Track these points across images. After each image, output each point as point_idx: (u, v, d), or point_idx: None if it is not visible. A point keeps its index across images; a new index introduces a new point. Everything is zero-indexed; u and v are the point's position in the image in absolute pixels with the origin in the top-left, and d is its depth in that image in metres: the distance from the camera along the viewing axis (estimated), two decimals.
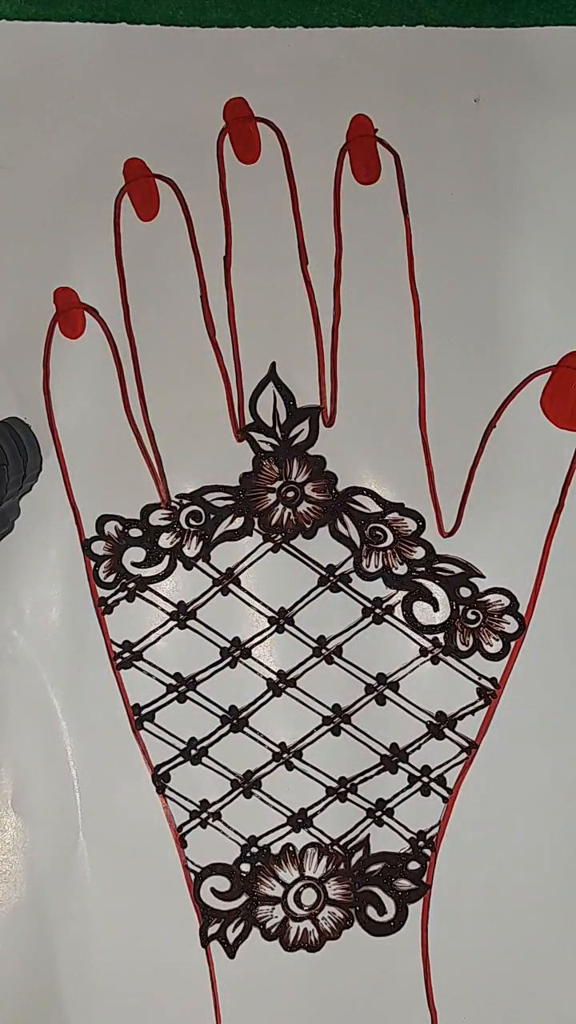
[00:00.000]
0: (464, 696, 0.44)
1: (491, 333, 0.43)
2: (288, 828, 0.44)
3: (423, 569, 0.43)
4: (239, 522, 0.43)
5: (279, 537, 0.43)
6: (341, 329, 0.43)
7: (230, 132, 0.42)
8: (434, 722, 0.43)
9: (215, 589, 0.44)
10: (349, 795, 0.44)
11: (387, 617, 0.43)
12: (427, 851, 0.44)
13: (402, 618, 0.43)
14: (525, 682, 0.43)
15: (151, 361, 0.43)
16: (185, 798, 0.44)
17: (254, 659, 0.44)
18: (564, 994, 0.44)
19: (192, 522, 0.43)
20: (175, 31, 0.42)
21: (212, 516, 0.43)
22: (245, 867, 0.44)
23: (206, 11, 0.42)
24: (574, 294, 0.43)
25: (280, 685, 0.44)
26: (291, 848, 0.44)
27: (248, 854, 0.44)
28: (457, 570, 0.43)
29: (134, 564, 0.44)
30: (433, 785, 0.44)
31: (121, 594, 0.44)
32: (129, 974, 0.43)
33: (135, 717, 0.44)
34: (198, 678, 0.44)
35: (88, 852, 0.43)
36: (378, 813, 0.44)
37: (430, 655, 0.43)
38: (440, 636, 0.43)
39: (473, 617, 0.43)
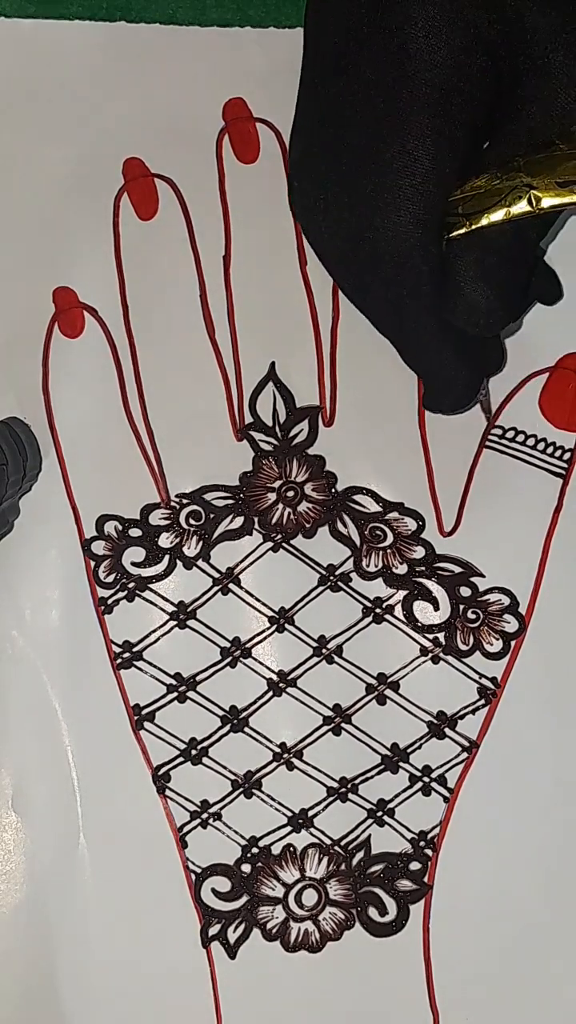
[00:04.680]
0: (465, 695, 0.43)
1: None
2: (289, 828, 0.44)
3: (423, 568, 0.43)
4: (239, 522, 0.43)
5: (279, 537, 0.43)
6: (340, 329, 0.43)
7: (230, 132, 0.43)
8: (435, 722, 0.43)
9: (215, 589, 0.44)
10: (350, 795, 0.44)
11: (387, 617, 0.43)
12: (428, 851, 0.43)
13: (402, 617, 0.43)
14: (526, 681, 0.43)
15: (151, 361, 0.43)
16: (185, 798, 0.43)
17: (254, 659, 0.44)
18: (566, 994, 0.43)
19: (192, 522, 0.43)
20: (175, 31, 0.42)
21: (212, 516, 0.43)
22: (246, 867, 0.44)
23: (206, 11, 0.42)
24: (571, 295, 0.43)
25: (280, 685, 0.44)
26: (292, 848, 0.44)
27: (249, 854, 0.44)
28: (457, 569, 0.43)
29: (134, 564, 0.44)
30: (434, 785, 0.44)
31: (121, 594, 0.43)
32: (129, 974, 0.43)
33: (135, 717, 0.43)
34: (198, 678, 0.44)
35: (88, 852, 0.43)
36: (379, 813, 0.44)
37: (430, 654, 0.43)
38: (440, 635, 0.43)
39: (473, 616, 0.43)
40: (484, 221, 0.33)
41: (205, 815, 0.44)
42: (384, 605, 0.43)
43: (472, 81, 0.33)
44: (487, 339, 0.39)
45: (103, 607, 0.43)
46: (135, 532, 0.43)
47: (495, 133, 0.34)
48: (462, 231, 0.34)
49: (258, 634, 0.43)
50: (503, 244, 0.34)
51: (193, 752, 0.43)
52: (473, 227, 0.33)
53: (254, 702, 0.44)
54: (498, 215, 0.33)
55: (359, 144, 0.34)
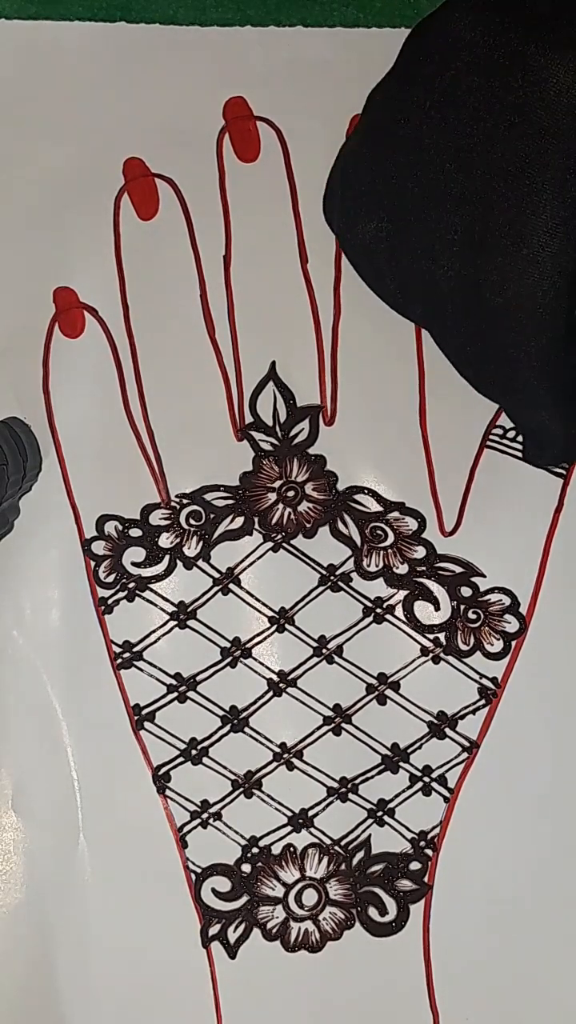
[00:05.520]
0: (465, 696, 0.43)
1: None
2: (289, 828, 0.44)
3: (424, 568, 0.43)
4: (239, 522, 0.43)
5: (279, 536, 0.43)
6: (341, 328, 0.43)
7: (230, 131, 0.43)
8: (435, 722, 0.43)
9: (215, 589, 0.44)
10: (350, 795, 0.44)
11: (388, 617, 0.43)
12: (428, 851, 0.43)
13: (403, 617, 0.43)
14: (526, 681, 0.43)
15: (151, 361, 0.43)
16: (186, 798, 0.43)
17: (255, 659, 0.44)
18: (566, 994, 0.43)
19: (192, 522, 0.43)
20: (175, 31, 0.42)
21: (212, 516, 0.43)
22: (246, 867, 0.44)
23: (206, 11, 0.42)
24: None
25: (281, 685, 0.44)
26: (292, 848, 0.44)
27: (249, 854, 0.44)
28: (458, 569, 0.43)
29: (134, 564, 0.44)
30: (434, 785, 0.43)
31: (121, 594, 0.43)
32: (129, 974, 0.43)
33: (135, 717, 0.43)
34: (198, 678, 0.44)
35: (88, 852, 0.43)
36: (379, 813, 0.44)
37: (431, 655, 0.43)
38: (441, 635, 0.43)
39: (474, 616, 0.43)
40: None
41: (205, 815, 0.44)
42: (385, 605, 0.43)
43: None
44: None
45: (103, 607, 0.43)
46: (135, 532, 0.43)
47: None
48: None
49: (258, 634, 0.43)
50: None
51: (193, 752, 0.43)
52: None
53: (254, 702, 0.44)
54: None
55: (488, 192, 0.32)
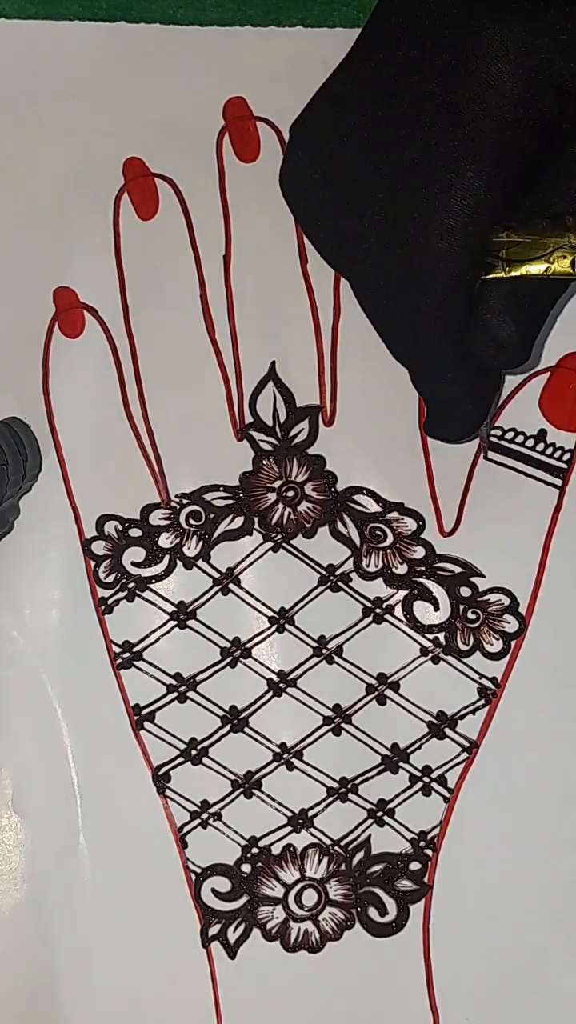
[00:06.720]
0: (465, 696, 0.43)
1: None
2: (289, 829, 0.44)
3: (423, 569, 0.43)
4: (239, 522, 0.43)
5: (279, 537, 0.43)
6: (341, 328, 0.43)
7: (230, 131, 0.43)
8: (435, 722, 0.43)
9: (215, 589, 0.44)
10: (350, 795, 0.44)
11: (387, 617, 0.43)
12: (428, 851, 0.43)
13: (402, 618, 0.43)
14: (526, 681, 0.43)
15: (151, 360, 0.43)
16: (186, 798, 0.43)
17: (254, 659, 0.44)
18: (567, 995, 0.43)
19: (192, 522, 0.43)
20: (175, 30, 0.42)
21: (212, 516, 0.43)
22: (246, 868, 0.44)
23: (206, 10, 0.42)
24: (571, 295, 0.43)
25: (280, 685, 0.44)
26: (292, 849, 0.44)
27: (249, 855, 0.44)
28: (457, 569, 0.43)
29: (134, 564, 0.44)
30: (434, 785, 0.43)
31: (121, 594, 0.43)
32: (129, 974, 0.43)
33: (135, 717, 0.43)
34: (198, 678, 0.44)
35: (88, 852, 0.43)
36: (379, 813, 0.44)
37: (431, 655, 0.43)
38: (440, 636, 0.43)
39: (473, 616, 0.43)
40: (522, 271, 0.33)
41: (205, 815, 0.44)
42: (384, 605, 0.43)
43: (536, 120, 0.32)
44: (495, 374, 0.39)
45: (103, 607, 0.43)
46: (135, 532, 0.43)
47: (544, 181, 0.33)
48: (499, 275, 0.33)
49: (258, 634, 0.43)
50: (533, 286, 0.34)
51: (193, 752, 0.43)
52: (510, 274, 0.33)
53: (254, 702, 0.44)
54: (538, 268, 0.33)
55: (413, 156, 0.33)
